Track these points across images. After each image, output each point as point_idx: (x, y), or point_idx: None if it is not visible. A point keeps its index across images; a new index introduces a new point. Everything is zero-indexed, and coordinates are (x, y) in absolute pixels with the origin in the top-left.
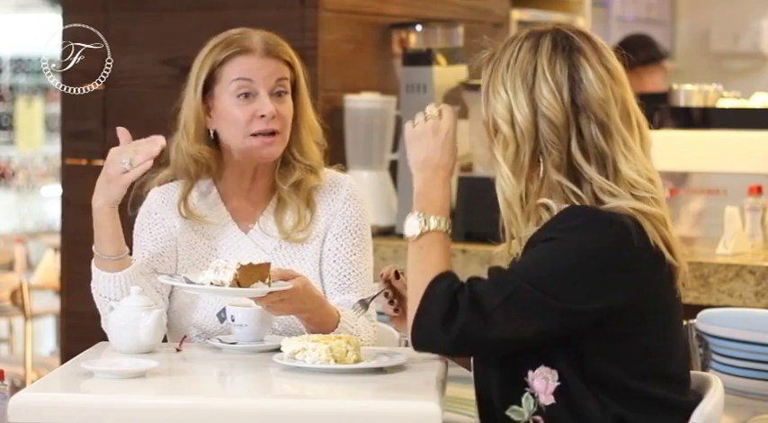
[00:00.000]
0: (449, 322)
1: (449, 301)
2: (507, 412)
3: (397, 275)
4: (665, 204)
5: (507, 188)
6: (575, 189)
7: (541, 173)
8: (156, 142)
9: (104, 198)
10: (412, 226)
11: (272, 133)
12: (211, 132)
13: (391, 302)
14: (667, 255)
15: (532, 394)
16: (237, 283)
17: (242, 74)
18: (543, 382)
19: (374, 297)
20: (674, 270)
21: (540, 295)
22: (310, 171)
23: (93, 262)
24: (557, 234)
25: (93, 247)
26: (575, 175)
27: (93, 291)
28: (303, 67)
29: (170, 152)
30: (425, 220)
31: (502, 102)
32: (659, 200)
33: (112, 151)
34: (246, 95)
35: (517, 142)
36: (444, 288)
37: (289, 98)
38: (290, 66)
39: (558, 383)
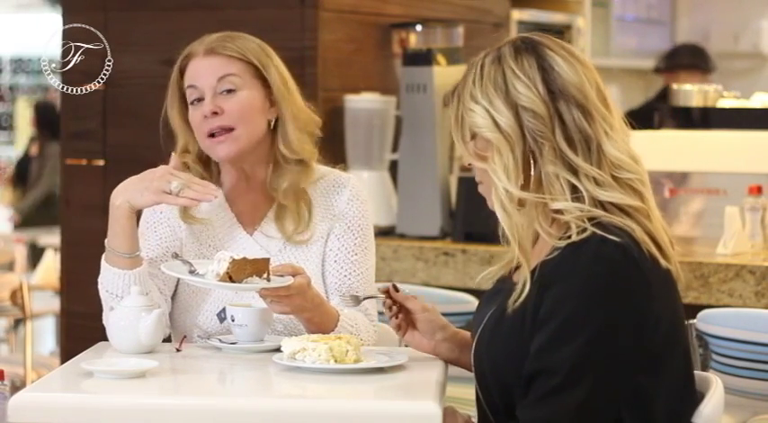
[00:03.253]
0: None
1: None
2: None
3: (396, 288)
4: (649, 185)
5: (506, 200)
6: (572, 179)
7: (533, 173)
8: (210, 193)
9: (128, 200)
10: None
11: (228, 131)
12: None
13: (390, 309)
14: (662, 261)
15: None
16: (229, 276)
17: (188, 81)
18: None
19: (369, 297)
20: (671, 274)
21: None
22: (302, 167)
23: (103, 256)
24: (578, 296)
25: (106, 242)
26: (567, 165)
27: (100, 286)
28: (271, 59)
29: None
30: None
31: (478, 114)
32: (644, 181)
33: (166, 168)
34: (199, 100)
35: (509, 144)
36: None
37: (242, 94)
38: (245, 62)
39: None
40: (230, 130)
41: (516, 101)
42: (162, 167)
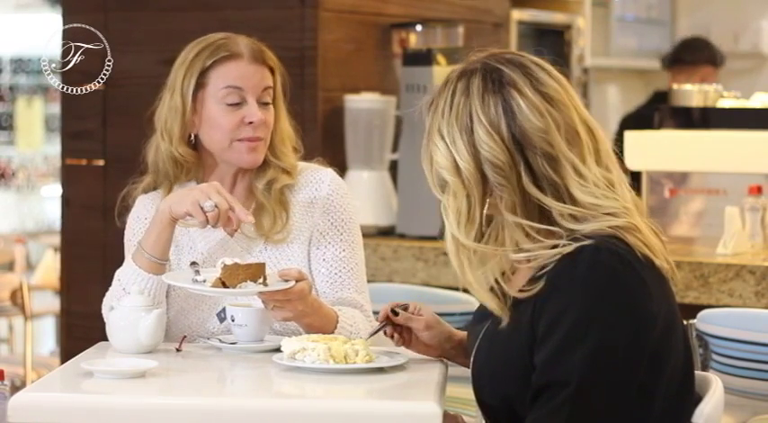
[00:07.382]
0: None
1: None
2: None
3: (395, 312)
4: (634, 210)
5: (453, 245)
6: (540, 226)
7: (483, 220)
8: (246, 219)
9: (170, 205)
10: None
11: (257, 139)
12: (192, 136)
13: (392, 336)
14: (656, 260)
15: None
16: (222, 282)
17: (232, 82)
18: None
19: (374, 333)
20: (665, 273)
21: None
22: (283, 172)
23: (131, 253)
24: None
25: (138, 241)
26: (538, 210)
27: (116, 280)
28: (284, 72)
29: (148, 156)
30: None
31: (441, 153)
32: (627, 207)
33: (212, 185)
34: (236, 103)
35: (466, 190)
36: None
37: (272, 106)
38: (272, 72)
39: None
40: (260, 139)
41: (478, 148)
42: (209, 184)
